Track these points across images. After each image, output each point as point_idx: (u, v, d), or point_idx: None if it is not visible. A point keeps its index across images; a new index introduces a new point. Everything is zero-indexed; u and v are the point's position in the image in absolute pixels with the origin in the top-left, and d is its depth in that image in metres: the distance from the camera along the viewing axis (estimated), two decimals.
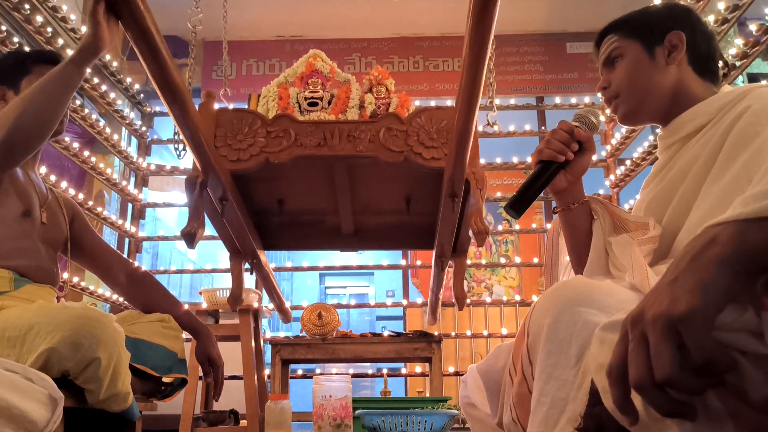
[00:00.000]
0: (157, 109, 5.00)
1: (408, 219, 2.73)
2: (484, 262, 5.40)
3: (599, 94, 1.47)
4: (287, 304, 3.27)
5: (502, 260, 5.68)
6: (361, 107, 2.43)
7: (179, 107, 1.74)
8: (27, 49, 3.08)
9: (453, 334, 4.62)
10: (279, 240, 2.85)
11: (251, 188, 2.50)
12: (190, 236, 2.11)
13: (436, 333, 3.53)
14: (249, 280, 3.12)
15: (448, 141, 2.21)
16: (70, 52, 3.50)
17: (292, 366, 3.93)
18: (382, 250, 3.75)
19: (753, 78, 5.20)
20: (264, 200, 2.58)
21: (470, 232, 2.32)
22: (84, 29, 3.73)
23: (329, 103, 2.44)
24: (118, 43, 5.42)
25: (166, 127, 5.95)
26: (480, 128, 2.54)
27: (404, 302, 4.79)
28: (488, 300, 4.80)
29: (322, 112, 2.39)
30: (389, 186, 2.54)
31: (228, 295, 2.95)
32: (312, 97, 2.44)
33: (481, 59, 1.51)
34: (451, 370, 4.37)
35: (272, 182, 2.49)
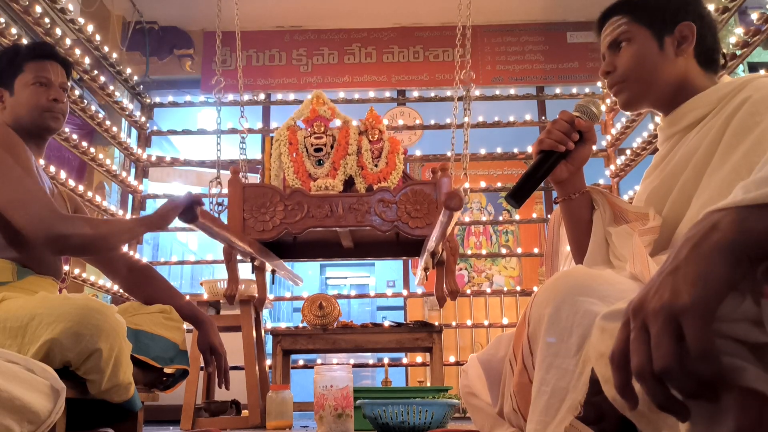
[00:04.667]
0: (157, 100, 4.99)
1: (398, 240, 3.25)
2: (484, 252, 5.41)
3: (601, 78, 1.45)
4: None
5: (503, 250, 5.68)
6: (358, 153, 3.00)
7: (228, 241, 2.48)
8: (25, 41, 3.07)
9: (454, 324, 4.63)
10: (290, 255, 3.46)
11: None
12: (231, 298, 2.76)
13: (436, 323, 3.53)
14: (248, 269, 3.15)
15: (429, 212, 2.80)
16: (68, 42, 3.50)
17: (293, 356, 3.94)
18: (377, 259, 4.46)
19: (753, 67, 5.18)
20: (281, 239, 3.05)
21: (444, 288, 2.92)
22: (82, 21, 3.72)
23: (332, 147, 3.03)
24: (117, 35, 5.41)
25: (166, 118, 5.95)
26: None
27: (405, 292, 4.80)
28: (488, 290, 4.81)
29: (327, 165, 3.00)
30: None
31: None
32: (317, 144, 3.02)
33: (450, 227, 2.25)
34: (452, 359, 4.38)
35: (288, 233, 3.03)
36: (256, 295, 3.44)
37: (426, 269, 3.16)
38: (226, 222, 2.86)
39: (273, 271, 3.31)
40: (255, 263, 2.98)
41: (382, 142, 3.02)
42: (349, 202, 2.81)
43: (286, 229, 2.80)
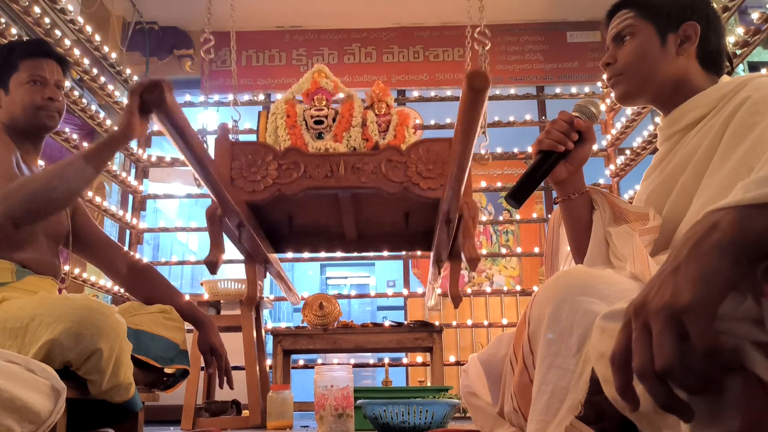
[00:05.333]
0: None
1: (407, 229, 2.93)
2: (484, 252, 5.41)
3: (602, 69, 1.45)
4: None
5: (503, 250, 5.68)
6: (363, 125, 2.62)
7: (201, 167, 1.93)
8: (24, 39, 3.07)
9: (454, 323, 4.63)
10: (288, 246, 3.10)
11: (264, 209, 2.66)
12: (213, 264, 2.33)
13: (436, 323, 3.53)
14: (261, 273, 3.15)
15: (444, 172, 2.40)
16: (68, 43, 3.50)
17: (294, 356, 3.94)
18: (383, 252, 3.99)
19: (754, 66, 5.18)
20: (275, 217, 2.76)
21: (462, 256, 2.46)
22: (81, 20, 3.72)
23: (334, 120, 2.64)
24: (117, 35, 5.41)
25: None
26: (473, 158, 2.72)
27: (405, 292, 4.80)
28: (489, 290, 4.81)
29: (328, 140, 2.58)
30: (389, 205, 2.70)
31: (230, 286, 3.11)
32: (317, 116, 2.64)
33: (473, 127, 1.65)
34: (452, 359, 4.38)
35: (283, 203, 2.69)
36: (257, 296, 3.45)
37: (439, 262, 2.89)
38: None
39: (265, 266, 3.02)
40: (242, 236, 2.59)
41: (389, 116, 2.72)
42: (352, 161, 2.47)
43: (280, 189, 2.45)
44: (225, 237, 2.70)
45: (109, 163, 4.22)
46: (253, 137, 4.26)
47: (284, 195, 2.45)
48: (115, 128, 1.65)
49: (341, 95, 2.83)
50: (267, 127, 2.67)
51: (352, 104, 2.68)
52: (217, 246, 2.38)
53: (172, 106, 1.62)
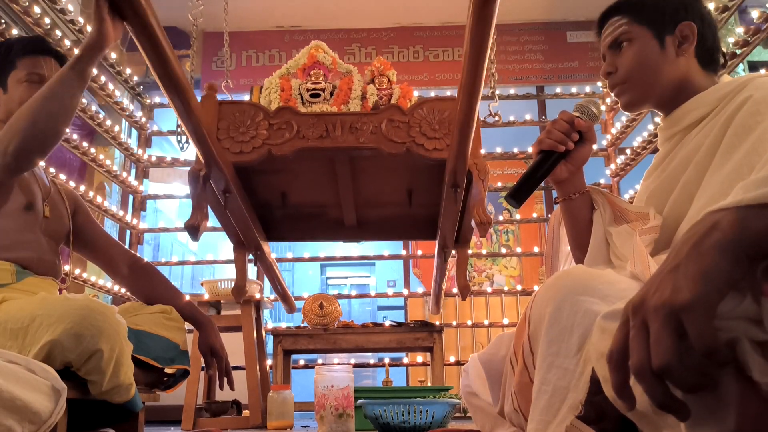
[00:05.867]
0: (157, 100, 4.99)
1: (410, 211, 2.74)
2: (485, 251, 5.41)
3: (602, 78, 1.45)
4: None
5: (503, 250, 5.68)
6: (363, 98, 2.44)
7: (181, 100, 1.75)
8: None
9: (454, 323, 4.63)
10: (282, 232, 2.88)
11: (254, 181, 2.50)
12: (193, 229, 2.13)
13: (437, 323, 3.53)
14: (251, 271, 3.13)
15: (450, 132, 2.19)
16: (68, 44, 3.50)
17: (294, 356, 3.94)
18: (385, 240, 3.81)
19: (754, 66, 5.18)
20: (267, 193, 2.60)
21: (473, 223, 2.32)
22: (81, 20, 3.72)
23: (331, 94, 2.45)
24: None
25: (167, 118, 5.94)
26: (481, 118, 2.54)
27: (405, 292, 4.80)
28: (489, 290, 4.81)
29: (324, 104, 2.39)
30: (391, 178, 2.55)
31: (230, 285, 3.00)
32: (314, 89, 2.45)
33: (483, 52, 1.49)
34: (453, 359, 4.38)
35: (275, 175, 2.49)
36: (258, 296, 3.45)
37: (445, 249, 2.71)
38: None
39: (256, 253, 2.78)
40: (228, 205, 2.39)
41: (391, 90, 2.53)
42: (349, 121, 2.26)
43: (270, 150, 2.23)
44: (220, 226, 2.55)
45: (109, 162, 4.25)
46: None
47: (275, 156, 2.25)
48: (87, 37, 1.55)
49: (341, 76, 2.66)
50: (260, 101, 2.51)
51: (351, 79, 2.52)
52: (199, 209, 2.18)
53: (143, 5, 1.47)
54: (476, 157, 2.22)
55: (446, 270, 2.98)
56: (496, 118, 2.59)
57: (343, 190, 2.56)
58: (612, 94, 1.43)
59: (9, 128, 1.56)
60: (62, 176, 3.50)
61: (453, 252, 2.76)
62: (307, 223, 2.87)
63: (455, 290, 2.57)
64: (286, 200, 2.66)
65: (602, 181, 4.69)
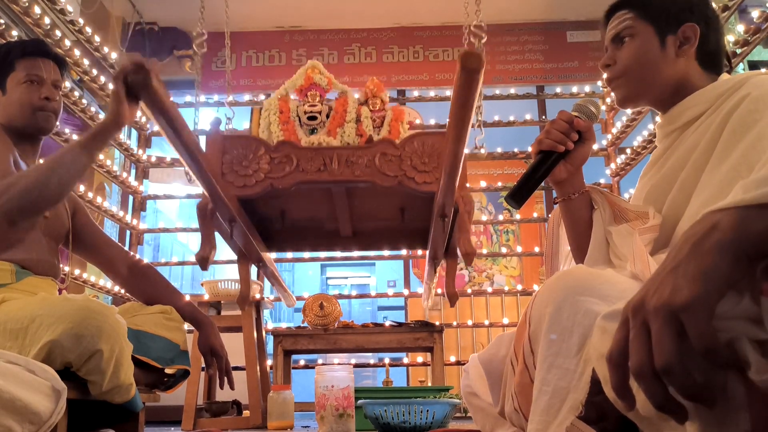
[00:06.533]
0: None
1: (402, 225, 2.86)
2: (485, 251, 5.41)
3: (602, 78, 1.45)
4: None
5: (503, 250, 5.68)
6: (357, 121, 2.58)
7: (190, 155, 1.86)
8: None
9: (454, 323, 4.63)
10: (281, 243, 3.01)
11: (255, 203, 2.61)
12: (203, 260, 2.23)
13: (437, 323, 3.53)
14: (251, 271, 3.14)
15: (439, 165, 2.31)
16: (68, 44, 3.50)
17: (294, 356, 3.94)
18: (379, 250, 3.91)
19: (754, 66, 5.18)
20: (267, 212, 2.70)
21: (458, 252, 2.40)
22: (81, 21, 3.72)
23: (327, 116, 2.60)
24: (117, 36, 5.41)
25: None
26: (467, 151, 2.67)
27: (405, 292, 4.80)
28: (489, 290, 4.81)
29: (321, 134, 2.54)
30: (384, 200, 2.65)
31: (230, 286, 3.03)
32: (311, 112, 2.59)
33: (467, 112, 1.57)
34: (453, 359, 4.38)
35: (275, 198, 2.63)
36: (258, 296, 3.45)
37: (435, 260, 2.83)
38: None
39: (259, 264, 2.90)
40: (233, 232, 2.51)
41: (384, 112, 2.71)
42: (345, 155, 2.42)
43: (272, 183, 2.38)
44: (218, 236, 2.67)
45: (108, 162, 4.25)
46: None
47: (276, 189, 2.39)
48: (105, 117, 1.62)
49: (336, 95, 2.78)
50: (260, 123, 2.65)
51: (346, 100, 2.66)
52: (208, 241, 2.32)
53: (158, 88, 1.56)
54: (462, 189, 2.33)
55: (435, 275, 3.07)
56: (482, 150, 2.64)
57: (339, 209, 2.71)
58: (610, 88, 1.43)
59: (8, 187, 1.58)
60: None
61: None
62: (304, 234, 2.99)
63: (446, 298, 2.68)
64: (285, 216, 2.80)
65: (602, 180, 4.69)
